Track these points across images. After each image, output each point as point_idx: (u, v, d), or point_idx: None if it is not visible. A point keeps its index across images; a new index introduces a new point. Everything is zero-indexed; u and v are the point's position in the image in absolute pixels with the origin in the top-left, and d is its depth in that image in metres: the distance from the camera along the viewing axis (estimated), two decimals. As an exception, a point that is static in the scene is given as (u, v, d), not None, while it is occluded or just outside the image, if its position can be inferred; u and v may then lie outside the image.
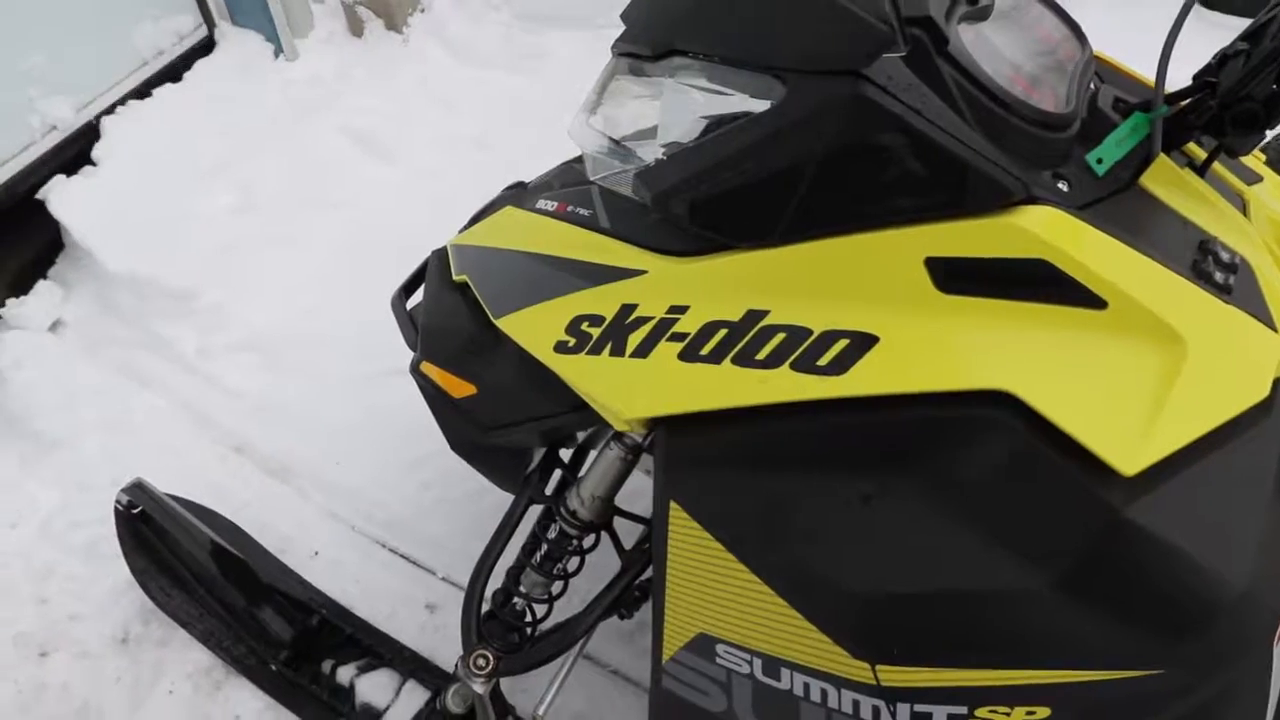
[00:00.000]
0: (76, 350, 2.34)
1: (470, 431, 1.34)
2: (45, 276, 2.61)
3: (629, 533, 1.31)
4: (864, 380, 0.81)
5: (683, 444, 0.96)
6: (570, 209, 1.20)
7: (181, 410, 2.22)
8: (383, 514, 1.99)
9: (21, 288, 2.67)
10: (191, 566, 1.63)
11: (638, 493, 1.29)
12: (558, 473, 1.41)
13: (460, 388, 1.33)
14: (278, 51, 3.43)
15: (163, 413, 2.21)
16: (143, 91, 2.94)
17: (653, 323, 0.97)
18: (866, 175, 0.80)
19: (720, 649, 0.95)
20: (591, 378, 1.02)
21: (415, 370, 1.42)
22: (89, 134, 2.73)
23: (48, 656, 1.68)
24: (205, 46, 3.40)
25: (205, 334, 2.32)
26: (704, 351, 0.92)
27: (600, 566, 1.34)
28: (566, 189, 1.26)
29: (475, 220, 1.52)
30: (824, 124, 0.78)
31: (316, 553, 1.89)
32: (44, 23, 2.52)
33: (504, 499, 1.97)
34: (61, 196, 2.57)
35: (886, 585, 0.80)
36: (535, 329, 1.12)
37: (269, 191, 2.68)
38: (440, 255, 1.50)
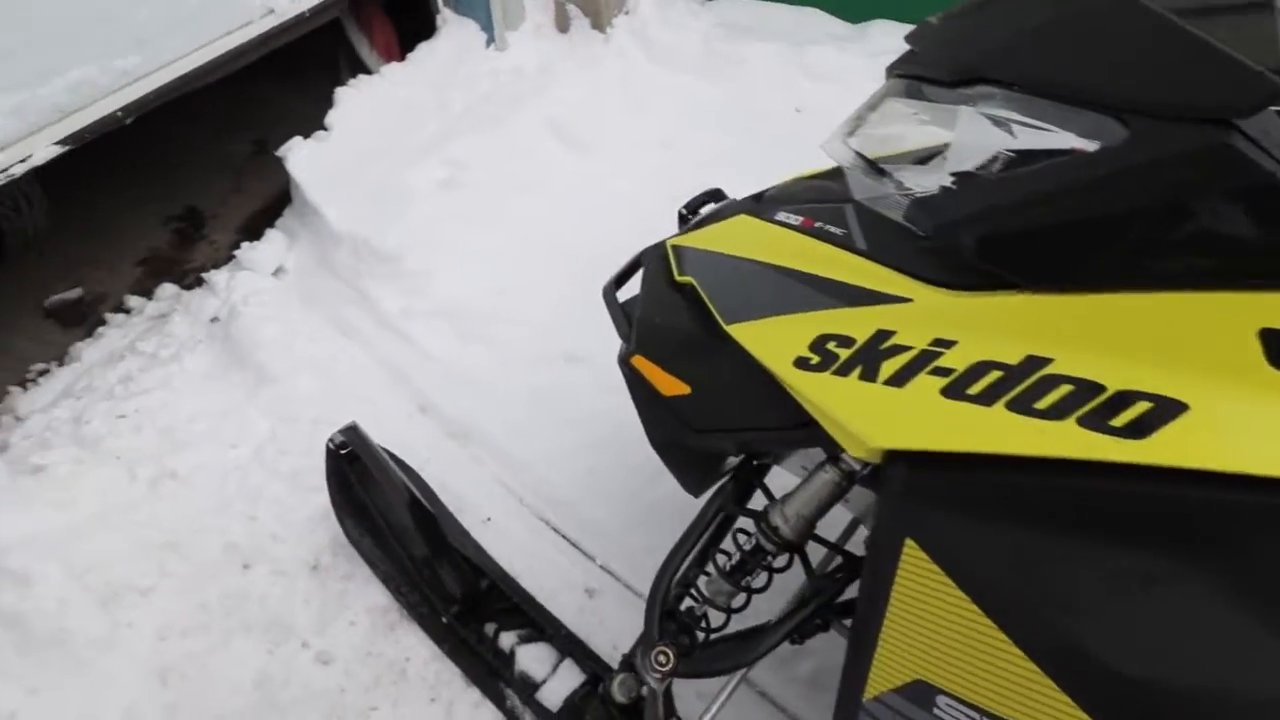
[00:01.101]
0: (295, 296, 2.57)
1: (675, 431, 1.35)
2: (274, 226, 2.90)
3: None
4: (1168, 449, 0.75)
5: (930, 482, 0.92)
6: (818, 225, 1.18)
7: (378, 365, 2.39)
8: (549, 491, 2.06)
9: (254, 233, 2.98)
10: (385, 513, 1.75)
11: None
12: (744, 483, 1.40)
13: (672, 386, 1.34)
14: (489, 41, 3.63)
15: (362, 364, 2.39)
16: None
17: (912, 353, 0.95)
18: (1209, 232, 0.74)
19: (941, 701, 0.91)
20: (834, 399, 1.01)
21: (624, 362, 1.45)
22: (298, 26, 2.89)
23: (250, 569, 1.85)
24: (428, 30, 3.65)
25: (407, 297, 2.48)
26: (972, 391, 0.88)
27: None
28: (812, 204, 1.25)
29: (698, 224, 1.53)
30: (1176, 173, 0.73)
31: (489, 519, 1.98)
32: None
33: (665, 496, 2.01)
34: (298, 156, 2.84)
35: (1169, 677, 0.74)
36: (772, 341, 1.12)
37: (475, 171, 2.83)
38: (658, 252, 1.52)
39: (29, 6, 1.99)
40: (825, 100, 3.37)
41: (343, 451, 1.78)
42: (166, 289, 2.73)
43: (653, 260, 1.52)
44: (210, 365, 2.32)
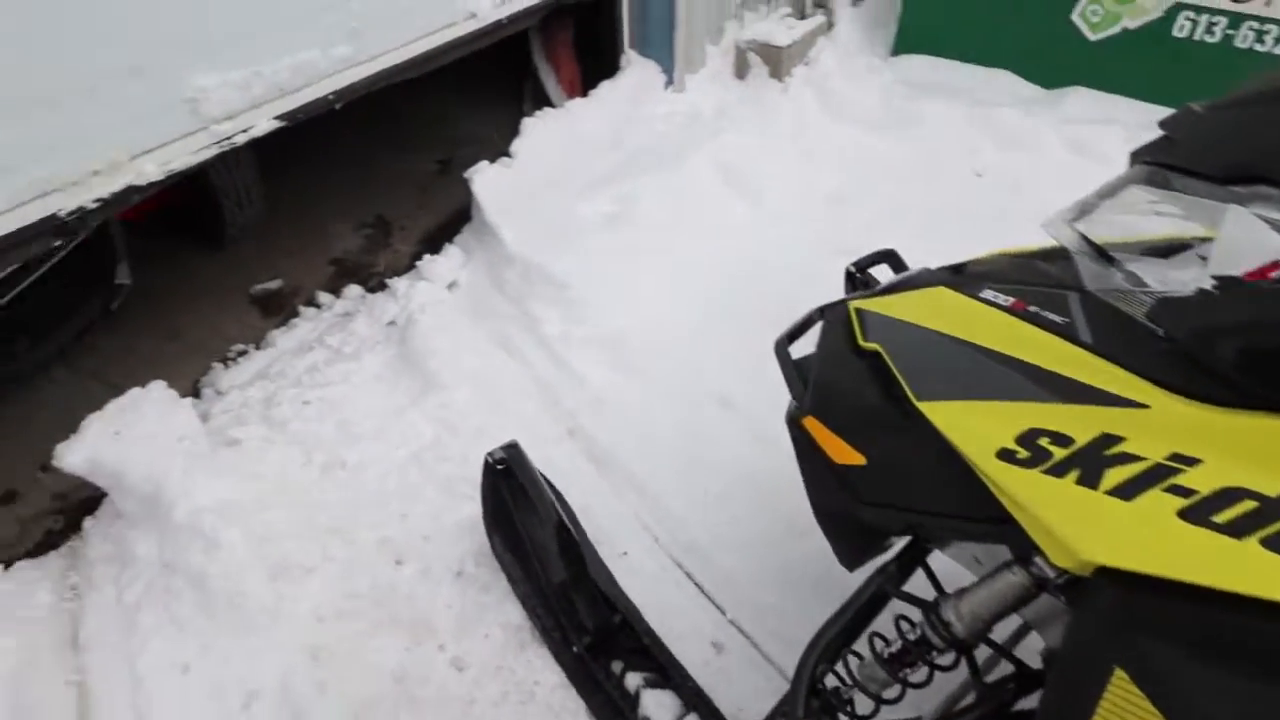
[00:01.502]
0: (465, 310, 2.72)
1: (842, 500, 1.31)
2: (453, 241, 3.09)
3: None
4: None
5: (1152, 609, 0.84)
6: (1033, 309, 1.12)
7: (534, 384, 2.48)
8: (687, 534, 2.05)
9: (434, 245, 3.19)
10: (532, 533, 1.81)
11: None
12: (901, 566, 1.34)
13: (845, 454, 1.31)
14: (668, 83, 3.74)
15: (520, 382, 2.49)
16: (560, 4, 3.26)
17: (1145, 464, 0.87)
18: None
19: None
20: (1043, 501, 0.94)
21: (794, 422, 1.43)
22: (495, 31, 3.00)
23: (401, 565, 1.95)
24: (612, 69, 3.81)
25: (568, 323, 2.57)
26: (1219, 519, 0.80)
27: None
28: (1024, 285, 1.19)
29: (885, 290, 1.49)
30: None
31: (625, 553, 1.99)
32: None
33: (806, 559, 1.95)
34: (483, 178, 3.02)
35: None
36: (973, 427, 1.06)
37: (644, 208, 2.90)
38: (839, 314, 1.49)
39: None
40: (1009, 166, 3.23)
41: (500, 467, 1.85)
42: (353, 289, 2.96)
43: (833, 321, 1.49)
44: (385, 366, 2.49)
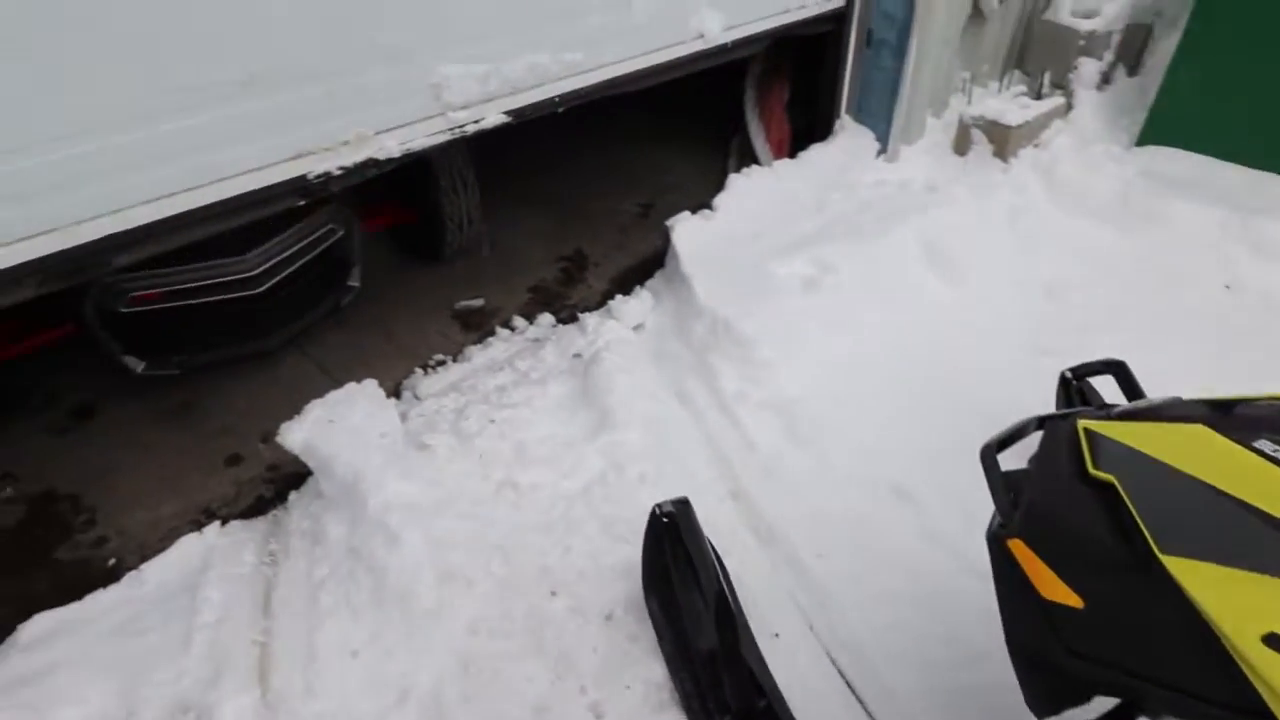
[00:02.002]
0: (648, 353, 2.78)
1: (1045, 640, 1.18)
2: (644, 284, 3.18)
3: None
4: None
5: None
6: (1329, 476, 0.96)
7: (705, 439, 2.47)
8: (845, 630, 1.94)
9: (625, 285, 3.30)
10: (688, 594, 1.78)
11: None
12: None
13: (1057, 590, 1.17)
14: (881, 151, 3.66)
15: (690, 434, 2.49)
16: (782, 34, 3.27)
17: None
18: None
19: None
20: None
21: (997, 540, 1.31)
22: (719, 54, 3.05)
23: (555, 596, 2.00)
24: (824, 132, 3.79)
25: (747, 382, 2.55)
26: None
27: None
28: (1316, 445, 1.02)
29: (1126, 414, 1.34)
30: None
31: (777, 635, 1.91)
32: None
33: (978, 688, 1.77)
34: (683, 228, 3.09)
35: None
36: (1234, 599, 0.92)
37: (840, 276, 2.83)
38: (1066, 431, 1.36)
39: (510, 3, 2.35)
40: (1270, 284, 2.85)
41: (666, 520, 1.84)
42: (545, 317, 3.12)
43: (1057, 437, 1.36)
44: (566, 396, 2.58)
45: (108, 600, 2.02)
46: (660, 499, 1.94)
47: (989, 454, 1.49)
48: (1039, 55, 3.93)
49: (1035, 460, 1.40)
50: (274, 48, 1.93)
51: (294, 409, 2.40)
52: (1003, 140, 3.49)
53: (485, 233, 3.39)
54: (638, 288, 3.16)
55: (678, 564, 1.82)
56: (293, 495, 2.34)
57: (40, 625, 1.93)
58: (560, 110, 2.63)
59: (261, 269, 2.43)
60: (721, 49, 3.02)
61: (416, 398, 2.69)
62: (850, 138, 3.66)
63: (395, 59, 2.15)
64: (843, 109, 3.70)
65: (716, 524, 2.17)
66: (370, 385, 2.34)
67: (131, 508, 2.37)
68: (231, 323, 2.53)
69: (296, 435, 2.18)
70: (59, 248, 1.77)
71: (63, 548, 2.26)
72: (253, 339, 2.63)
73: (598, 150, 4.39)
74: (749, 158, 3.97)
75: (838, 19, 3.44)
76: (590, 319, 2.94)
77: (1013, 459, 1.51)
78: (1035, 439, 1.52)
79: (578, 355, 2.78)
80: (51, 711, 1.69)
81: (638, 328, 2.92)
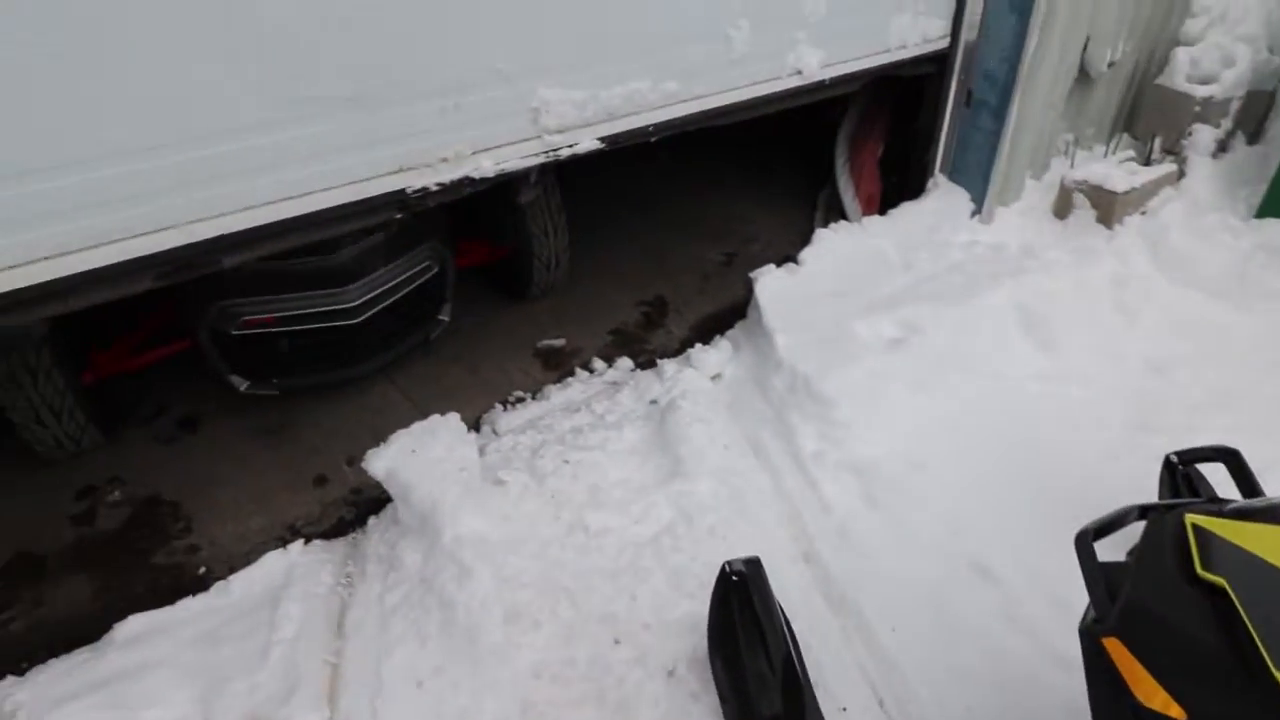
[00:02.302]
0: (725, 404, 2.77)
1: (1143, 751, 1.09)
2: (724, 334, 3.18)
3: None
4: None
5: None
6: None
7: (778, 496, 2.43)
8: (916, 710, 1.85)
9: (704, 334, 3.31)
10: (754, 658, 1.74)
11: None
12: None
13: (1157, 698, 1.09)
14: (975, 212, 3.58)
15: (764, 489, 2.45)
16: (884, 74, 3.22)
17: None
18: None
19: None
20: None
21: (1090, 636, 1.24)
22: (815, 91, 3.02)
23: (619, 645, 1.98)
24: (916, 190, 3.74)
25: (825, 442, 2.50)
26: None
27: None
28: None
29: (1242, 513, 1.25)
30: None
31: (845, 709, 1.84)
32: None
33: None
34: (766, 281, 3.09)
35: None
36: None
37: (926, 338, 2.77)
38: (1170, 525, 1.28)
39: (611, 29, 2.39)
40: None
41: (736, 579, 1.82)
42: (624, 361, 3.15)
43: (1163, 532, 1.28)
44: (640, 441, 2.59)
45: (196, 607, 2.13)
46: (730, 554, 1.92)
47: (1084, 542, 1.41)
48: (1150, 120, 3.79)
49: (1136, 554, 1.32)
50: (387, 66, 2.03)
51: (379, 435, 2.50)
52: (1108, 206, 3.37)
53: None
54: (717, 337, 3.16)
55: (745, 625, 1.78)
56: (372, 520, 2.42)
57: (135, 625, 2.04)
58: (653, 139, 2.66)
59: (361, 301, 2.56)
60: (819, 85, 3.01)
61: (495, 433, 2.75)
62: (943, 197, 3.60)
63: (499, 81, 2.22)
64: (937, 167, 3.65)
65: (787, 586, 2.12)
66: (453, 419, 2.41)
67: (224, 519, 2.50)
68: (329, 350, 2.66)
69: (381, 462, 2.26)
70: (176, 244, 1.89)
71: (160, 552, 2.40)
72: (347, 366, 2.75)
73: (683, 198, 4.46)
74: (837, 212, 3.95)
75: (939, 60, 3.38)
76: (668, 365, 2.96)
77: (1110, 548, 1.43)
78: (1136, 529, 1.44)
79: (654, 401, 2.79)
80: (139, 711, 1.78)
81: (715, 378, 2.92)
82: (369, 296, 2.58)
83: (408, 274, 2.70)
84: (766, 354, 2.83)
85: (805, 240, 3.88)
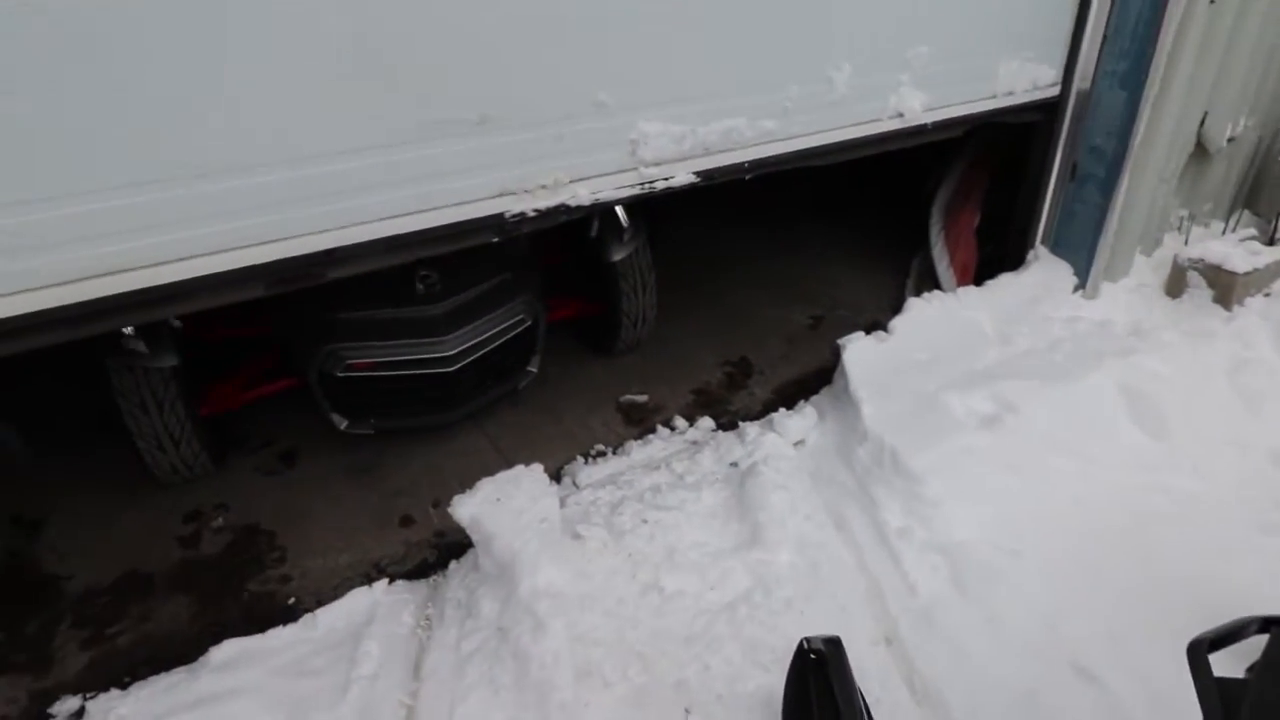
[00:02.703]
0: (807, 472, 2.72)
1: None
2: (808, 399, 3.15)
3: None
4: None
5: None
6: None
7: (860, 572, 2.36)
8: (1004, 820, 1.72)
9: (787, 398, 3.28)
10: (831, 742, 1.67)
11: None
12: None
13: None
14: (1078, 286, 3.45)
15: (845, 564, 2.38)
16: (989, 120, 3.14)
17: None
18: None
19: None
20: None
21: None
22: (915, 135, 2.97)
23: (689, 715, 1.94)
24: (1015, 261, 3.65)
25: (912, 519, 2.42)
26: None
27: None
28: None
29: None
30: None
31: (926, 809, 1.74)
32: (939, 31, 2.83)
33: None
34: (855, 348, 3.05)
35: None
36: None
37: (1024, 417, 2.66)
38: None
39: (711, 66, 2.41)
40: None
41: (814, 658, 1.76)
42: (705, 421, 3.15)
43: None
44: (719, 504, 2.57)
45: (285, 637, 2.21)
46: (807, 630, 1.87)
47: (1199, 653, 1.31)
48: (1274, 197, 3.59)
49: (1258, 671, 1.22)
50: (505, 94, 2.11)
51: (465, 479, 2.57)
52: (1227, 286, 3.19)
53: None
54: (802, 402, 3.13)
55: (822, 708, 1.71)
56: (453, 564, 2.48)
57: (228, 650, 2.14)
58: (748, 177, 2.66)
59: (457, 351, 2.67)
60: (920, 129, 2.96)
61: (575, 485, 2.79)
62: (1044, 269, 3.49)
63: (600, 113, 2.28)
64: (1038, 239, 3.56)
65: (866, 669, 2.04)
66: (536, 470, 2.46)
67: (315, 552, 2.61)
68: (424, 395, 2.78)
69: (466, 508, 2.32)
70: (289, 255, 1.99)
71: (254, 580, 2.51)
72: (440, 411, 2.86)
73: (770, 258, 4.48)
74: (930, 280, 3.89)
75: (1048, 110, 3.27)
76: (750, 428, 2.94)
77: (1227, 661, 1.33)
78: (1256, 643, 1.33)
79: (734, 464, 2.77)
80: (226, 736, 1.85)
81: (798, 444, 2.88)
82: (465, 347, 2.69)
83: (502, 327, 2.80)
84: (852, 423, 2.78)
85: (894, 307, 3.83)
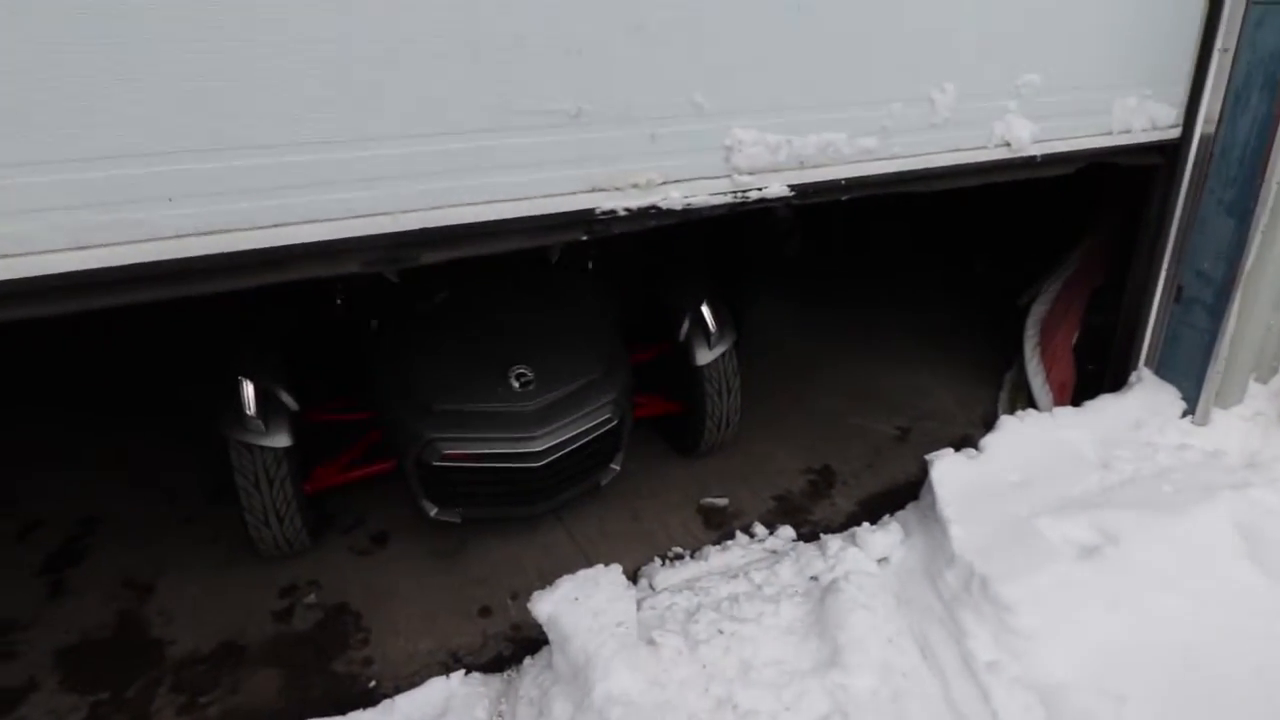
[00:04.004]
0: (891, 592, 2.63)
1: None
2: (893, 515, 3.07)
3: None
4: None
5: None
6: None
7: (946, 706, 2.24)
8: None
9: (871, 510, 3.21)
10: None
11: None
12: None
13: None
14: (1186, 412, 3.30)
15: (930, 696, 2.27)
16: (1102, 158, 2.98)
17: None
18: None
19: None
20: None
21: None
22: (1023, 168, 2.84)
23: None
24: (1116, 383, 3.52)
25: (1003, 652, 2.30)
26: None
27: None
28: None
29: None
30: None
31: None
32: (1051, 60, 2.76)
33: None
34: (943, 465, 2.97)
35: None
36: None
37: (1127, 549, 2.51)
38: None
39: (809, 77, 2.37)
40: None
41: (895, 800, 1.68)
42: (786, 530, 3.12)
43: None
44: (798, 620, 2.52)
45: (363, 722, 2.27)
46: (890, 769, 1.78)
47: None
48: (1406, 326, 3.37)
49: None
50: (603, 89, 2.14)
51: (542, 571, 2.62)
52: (1352, 420, 2.98)
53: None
54: (886, 517, 3.06)
55: None
56: (528, 660, 2.50)
57: (309, 730, 2.21)
58: (844, 198, 2.60)
59: (546, 447, 2.77)
60: (1028, 161, 2.85)
61: (652, 587, 2.78)
62: (1148, 392, 3.35)
63: (696, 115, 2.27)
64: (1141, 360, 3.44)
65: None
66: (615, 571, 2.49)
67: (397, 636, 2.68)
68: (511, 488, 2.88)
69: (544, 605, 2.36)
70: (385, 230, 2.00)
71: (340, 659, 2.60)
72: (524, 504, 2.95)
73: (856, 365, 4.46)
74: (1024, 397, 3.78)
75: (1168, 152, 3.11)
76: (832, 541, 2.88)
77: None
78: None
79: (814, 578, 2.72)
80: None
81: (882, 561, 2.80)
82: (553, 444, 2.79)
83: (590, 425, 2.90)
84: (940, 544, 2.69)
85: (985, 421, 3.76)
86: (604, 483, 3.22)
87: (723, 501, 3.36)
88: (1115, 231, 3.99)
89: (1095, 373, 3.62)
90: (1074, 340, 3.79)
